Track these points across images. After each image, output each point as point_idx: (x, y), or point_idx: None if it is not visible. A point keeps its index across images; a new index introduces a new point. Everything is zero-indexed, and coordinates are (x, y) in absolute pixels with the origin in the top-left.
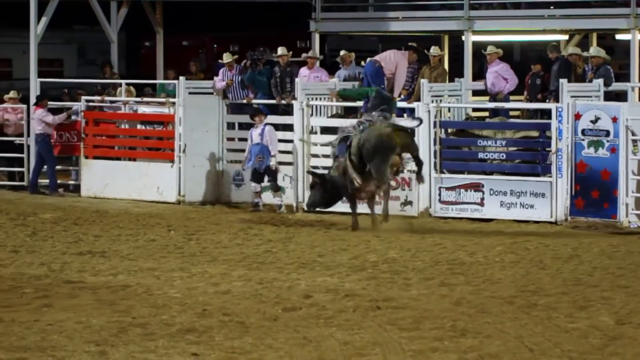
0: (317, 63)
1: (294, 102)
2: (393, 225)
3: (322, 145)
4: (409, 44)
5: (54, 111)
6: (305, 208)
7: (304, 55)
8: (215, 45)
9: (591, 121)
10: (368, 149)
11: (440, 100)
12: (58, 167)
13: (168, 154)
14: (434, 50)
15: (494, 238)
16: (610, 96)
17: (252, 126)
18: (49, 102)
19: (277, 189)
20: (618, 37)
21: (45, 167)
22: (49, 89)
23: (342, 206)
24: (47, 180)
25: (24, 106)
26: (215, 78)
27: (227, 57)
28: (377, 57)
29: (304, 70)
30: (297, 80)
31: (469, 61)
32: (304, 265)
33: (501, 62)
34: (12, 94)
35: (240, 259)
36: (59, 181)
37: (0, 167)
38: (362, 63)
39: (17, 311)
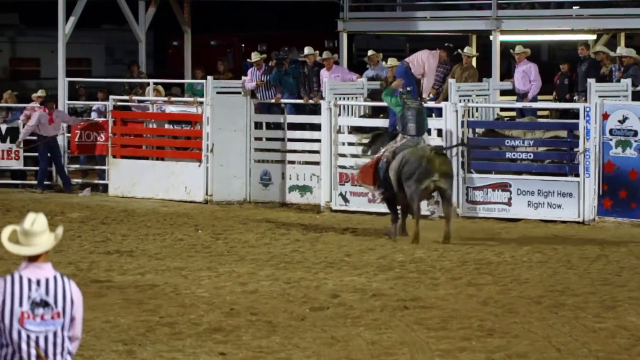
0: (345, 61)
1: (321, 101)
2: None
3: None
4: (445, 44)
5: (71, 111)
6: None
7: (318, 58)
8: (243, 45)
9: (619, 121)
10: (407, 171)
11: (468, 100)
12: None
13: (196, 154)
14: (467, 50)
15: (521, 238)
16: (637, 96)
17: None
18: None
19: None
20: None
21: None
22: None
23: (369, 205)
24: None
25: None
26: (244, 78)
27: (255, 56)
28: (407, 59)
29: (323, 72)
30: (324, 80)
31: (497, 61)
32: (332, 265)
33: (529, 62)
34: (41, 92)
35: (268, 258)
36: (83, 181)
37: (29, 166)
38: (383, 63)
39: None
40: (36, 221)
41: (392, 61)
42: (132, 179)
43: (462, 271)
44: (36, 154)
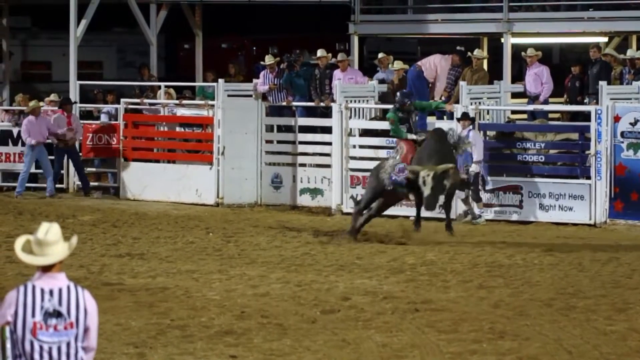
0: (356, 64)
1: (332, 104)
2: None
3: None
4: (457, 48)
5: (83, 114)
6: None
7: (333, 59)
8: (254, 48)
9: (630, 123)
10: None
11: (479, 103)
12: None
13: (207, 156)
14: (477, 52)
15: (532, 240)
16: None
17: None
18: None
19: (477, 200)
20: None
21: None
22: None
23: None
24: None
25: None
26: (256, 81)
27: (269, 59)
28: (419, 62)
29: (337, 73)
30: (335, 82)
31: (508, 63)
32: (343, 268)
33: (541, 64)
34: (53, 96)
35: (279, 261)
36: (97, 183)
37: (41, 169)
38: (390, 66)
39: None
40: (50, 231)
41: (398, 64)
42: (143, 181)
43: (473, 274)
44: (51, 157)
